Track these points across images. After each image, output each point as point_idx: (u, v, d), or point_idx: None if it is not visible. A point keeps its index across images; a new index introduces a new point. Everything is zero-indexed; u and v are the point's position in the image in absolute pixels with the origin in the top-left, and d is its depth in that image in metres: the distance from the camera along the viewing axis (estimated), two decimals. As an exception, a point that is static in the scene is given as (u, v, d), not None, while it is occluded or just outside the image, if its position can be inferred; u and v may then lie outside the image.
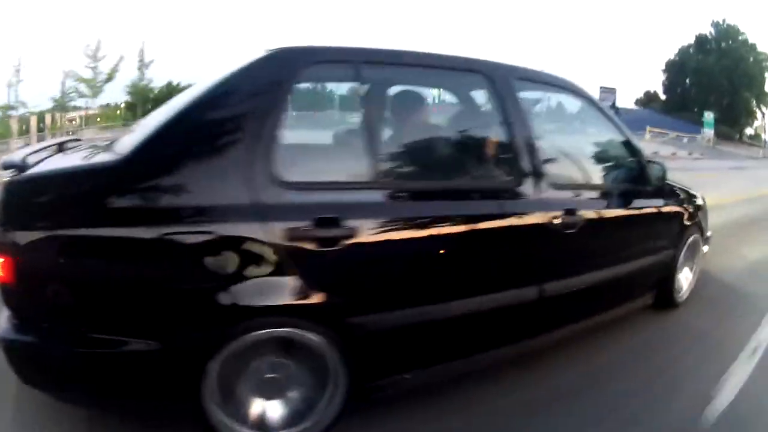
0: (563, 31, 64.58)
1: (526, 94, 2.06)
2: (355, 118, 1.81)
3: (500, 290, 1.83)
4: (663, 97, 40.43)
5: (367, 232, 1.53)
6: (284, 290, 1.44)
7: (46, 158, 1.69)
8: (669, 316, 2.75)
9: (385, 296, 1.61)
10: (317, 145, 2.20)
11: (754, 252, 4.21)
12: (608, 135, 2.46)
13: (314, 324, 1.48)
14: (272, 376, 1.51)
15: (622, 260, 2.31)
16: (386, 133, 1.95)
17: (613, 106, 31.00)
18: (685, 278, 2.92)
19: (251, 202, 1.40)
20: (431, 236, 1.64)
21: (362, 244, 1.51)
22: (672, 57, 39.31)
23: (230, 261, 1.39)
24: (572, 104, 2.46)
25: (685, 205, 2.79)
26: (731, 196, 7.64)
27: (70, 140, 2.08)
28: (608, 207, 2.24)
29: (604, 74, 66.65)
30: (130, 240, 1.33)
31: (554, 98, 2.68)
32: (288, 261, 1.43)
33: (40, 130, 19.22)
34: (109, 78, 16.72)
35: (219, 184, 1.39)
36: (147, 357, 1.37)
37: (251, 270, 1.41)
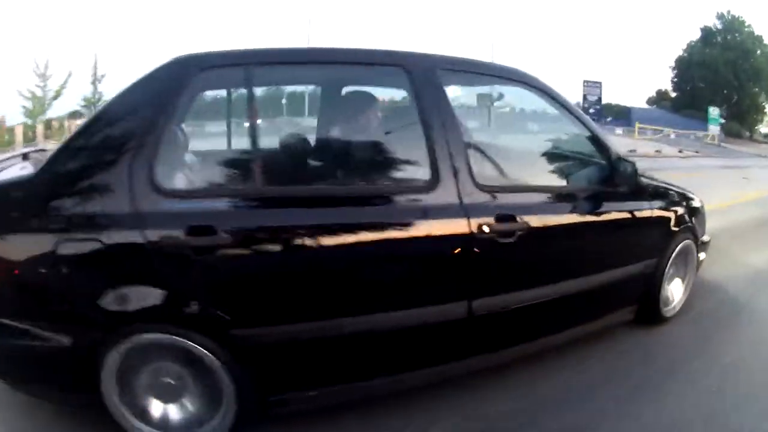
0: (574, 30, 64.06)
1: (472, 88, 2.14)
2: (241, 124, 1.76)
3: (412, 306, 1.67)
4: (674, 95, 39.80)
5: (245, 241, 1.51)
6: (159, 298, 1.46)
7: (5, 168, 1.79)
8: (654, 333, 2.49)
9: (271, 309, 1.56)
10: (202, 152, 2.07)
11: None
12: (568, 130, 2.23)
13: (194, 333, 1.48)
14: (168, 380, 1.56)
15: (584, 272, 2.06)
16: (271, 137, 1.85)
17: (598, 101, 30.39)
18: (675, 290, 2.63)
19: (132, 210, 1.45)
20: (319, 246, 1.55)
21: (239, 253, 1.50)
22: (681, 53, 38.70)
23: (111, 267, 1.46)
24: (526, 98, 2.23)
25: (673, 208, 2.50)
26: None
27: (35, 150, 2.15)
28: (563, 212, 1.99)
29: (616, 73, 65.89)
30: (36, 246, 1.46)
31: (510, 92, 2.48)
32: (164, 269, 1.47)
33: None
34: (57, 95, 17.00)
35: (107, 194, 1.46)
36: (50, 350, 1.48)
37: (129, 276, 1.47)
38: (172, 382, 1.56)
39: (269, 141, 1.81)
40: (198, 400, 1.58)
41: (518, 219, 1.77)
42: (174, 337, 1.48)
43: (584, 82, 30.00)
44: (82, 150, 1.54)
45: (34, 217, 1.46)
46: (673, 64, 38.99)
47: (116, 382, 1.51)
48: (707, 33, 36.93)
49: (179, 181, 1.57)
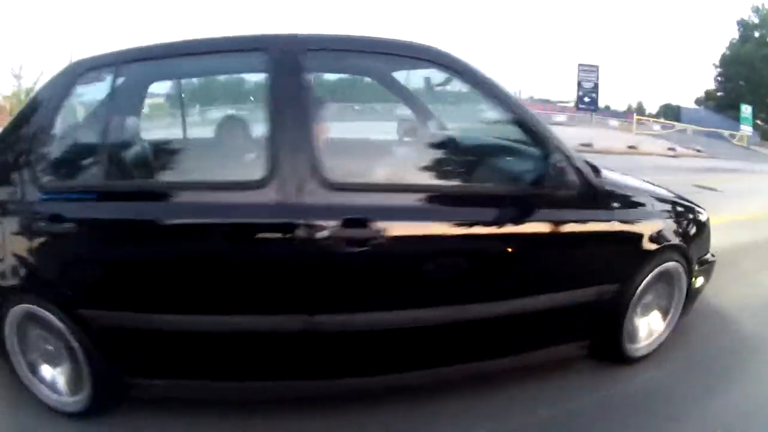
0: (630, 27, 62.58)
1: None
2: (102, 120, 1.80)
3: (240, 312, 1.59)
4: (720, 94, 37.89)
5: (85, 230, 1.63)
6: (28, 274, 1.68)
7: None
8: (616, 377, 2.05)
9: (111, 296, 1.64)
10: (71, 148, 1.97)
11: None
12: (485, 116, 1.94)
13: (53, 308, 1.65)
14: (50, 347, 1.75)
15: (490, 296, 1.73)
16: (116, 132, 1.81)
17: (594, 88, 27.66)
18: (649, 324, 2.19)
19: (19, 199, 1.68)
20: (142, 241, 1.63)
21: (81, 240, 1.63)
22: (725, 50, 36.77)
23: (5, 246, 1.69)
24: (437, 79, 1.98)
25: (649, 222, 2.03)
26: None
27: None
28: (453, 218, 1.65)
29: (671, 71, 64.48)
30: None
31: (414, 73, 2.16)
32: (32, 250, 1.67)
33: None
34: (28, 93, 17.93)
35: (8, 185, 1.70)
36: None
37: (13, 255, 1.68)
38: (53, 349, 1.75)
39: (120, 137, 1.84)
40: (68, 372, 1.74)
41: (374, 225, 1.52)
42: (38, 308, 1.68)
43: (579, 66, 27.28)
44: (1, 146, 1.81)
45: None
46: (717, 62, 37.23)
47: (17, 343, 1.76)
48: (744, 27, 35.14)
49: (52, 175, 1.74)
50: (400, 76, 2.15)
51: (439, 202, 1.67)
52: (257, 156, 1.60)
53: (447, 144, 2.04)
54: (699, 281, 2.35)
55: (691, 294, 2.31)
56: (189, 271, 1.61)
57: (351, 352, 1.69)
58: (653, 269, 2.06)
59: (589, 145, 12.26)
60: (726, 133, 26.44)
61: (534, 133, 1.78)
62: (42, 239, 1.65)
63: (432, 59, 1.76)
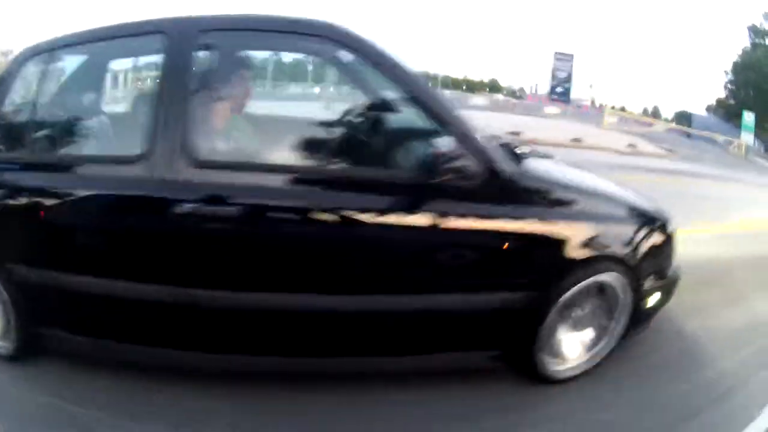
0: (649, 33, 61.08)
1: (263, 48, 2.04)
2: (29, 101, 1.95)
3: (123, 278, 1.66)
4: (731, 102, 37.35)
5: (5, 198, 1.77)
6: None
7: None
8: (532, 399, 1.88)
9: (25, 254, 1.80)
10: (7, 125, 2.04)
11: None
12: (383, 96, 1.83)
13: None
14: None
15: (355, 287, 1.67)
16: (38, 111, 1.93)
17: (567, 78, 27.09)
18: (581, 342, 1.97)
19: None
20: (38, 209, 1.73)
21: (4, 207, 1.78)
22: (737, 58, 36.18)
23: None
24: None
25: (578, 224, 1.80)
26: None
27: None
28: (327, 202, 1.61)
29: (686, 78, 63.07)
30: None
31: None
32: None
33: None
34: None
35: None
36: None
37: None
38: None
39: (39, 116, 1.96)
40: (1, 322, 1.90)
41: (236, 203, 1.55)
42: None
43: (555, 54, 26.85)
44: None
45: None
46: (728, 70, 36.74)
47: None
48: (755, 33, 34.64)
49: None
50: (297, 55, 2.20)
51: (309, 184, 1.64)
52: (140, 133, 1.64)
53: (331, 124, 1.92)
54: (653, 299, 2.09)
55: (641, 313, 2.04)
56: (81, 237, 1.73)
57: (225, 328, 1.71)
58: (581, 280, 1.83)
59: (516, 133, 11.23)
60: (721, 139, 25.93)
61: (434, 116, 1.66)
62: None
63: (328, 35, 1.72)
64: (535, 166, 1.90)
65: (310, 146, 1.76)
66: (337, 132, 1.89)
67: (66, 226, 1.73)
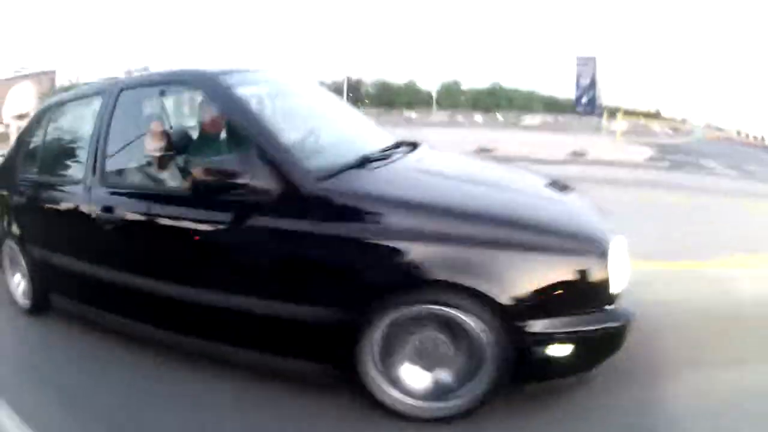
0: None
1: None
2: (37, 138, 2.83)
3: (88, 262, 2.31)
4: None
5: (27, 203, 2.65)
6: (6, 225, 2.81)
7: None
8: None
9: (34, 238, 2.61)
10: (25, 154, 2.87)
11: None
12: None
13: (17, 244, 2.71)
14: (18, 267, 2.77)
15: (176, 278, 2.03)
16: (39, 145, 2.75)
17: (591, 85, 24.55)
18: (429, 380, 1.75)
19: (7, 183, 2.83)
20: (38, 211, 2.60)
21: (27, 207, 2.67)
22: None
23: None
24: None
25: (399, 242, 1.64)
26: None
27: None
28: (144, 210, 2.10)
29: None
30: None
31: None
32: (11, 211, 2.77)
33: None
34: None
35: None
36: None
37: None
38: (21, 268, 2.73)
39: (37, 148, 2.80)
40: (24, 285, 2.73)
41: (116, 212, 2.11)
42: (11, 242, 2.78)
43: (577, 59, 24.31)
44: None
45: None
46: None
47: (8, 264, 2.87)
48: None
49: (25, 167, 2.76)
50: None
51: (151, 200, 2.09)
52: (83, 164, 2.32)
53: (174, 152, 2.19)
54: (559, 350, 1.67)
55: (534, 364, 1.69)
56: (60, 230, 2.45)
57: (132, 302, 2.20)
58: (400, 307, 1.67)
59: (488, 150, 10.59)
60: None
61: (245, 139, 1.85)
62: (13, 206, 2.74)
63: (190, 82, 2.21)
64: (365, 181, 1.84)
65: (158, 171, 2.18)
66: (175, 159, 2.18)
67: (54, 222, 2.48)
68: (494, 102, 31.25)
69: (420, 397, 1.75)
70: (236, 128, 1.96)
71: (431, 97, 32.17)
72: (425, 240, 1.64)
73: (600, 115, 21.93)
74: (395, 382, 1.75)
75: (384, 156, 2.08)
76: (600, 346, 1.78)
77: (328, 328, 1.74)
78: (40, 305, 2.65)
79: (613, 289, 1.71)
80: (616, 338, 1.77)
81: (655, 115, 28.97)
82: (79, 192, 2.28)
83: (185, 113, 2.53)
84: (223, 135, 2.19)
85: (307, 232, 1.71)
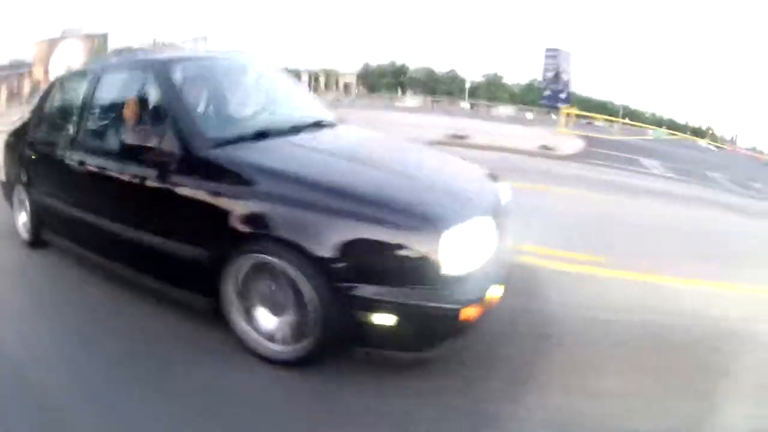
0: None
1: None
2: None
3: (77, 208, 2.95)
4: None
5: (37, 155, 3.30)
6: (15, 173, 3.56)
7: None
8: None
9: (36, 183, 3.30)
10: (48, 121, 3.41)
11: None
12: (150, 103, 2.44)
13: (24, 187, 3.43)
14: (23, 208, 3.49)
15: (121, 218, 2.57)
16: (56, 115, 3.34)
17: (555, 78, 26.01)
18: (282, 325, 2.02)
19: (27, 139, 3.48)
20: (46, 162, 3.17)
21: (35, 158, 3.32)
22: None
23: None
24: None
25: (244, 203, 2.03)
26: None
27: None
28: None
29: None
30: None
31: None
32: (22, 162, 3.45)
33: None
34: None
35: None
36: None
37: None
38: (26, 209, 3.45)
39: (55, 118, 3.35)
40: (26, 223, 3.46)
41: (88, 164, 2.70)
42: (20, 187, 3.49)
43: (545, 50, 25.86)
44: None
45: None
46: None
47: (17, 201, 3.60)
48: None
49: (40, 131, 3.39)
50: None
51: (106, 157, 2.56)
52: (74, 129, 2.93)
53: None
54: (382, 319, 1.83)
55: (360, 328, 1.87)
56: (54, 179, 3.06)
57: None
58: (243, 254, 2.01)
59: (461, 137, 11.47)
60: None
61: (166, 113, 2.30)
62: (24, 159, 3.41)
63: (148, 68, 2.57)
64: (250, 151, 2.22)
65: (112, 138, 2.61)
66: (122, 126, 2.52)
67: (48, 172, 3.12)
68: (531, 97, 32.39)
69: (268, 338, 2.05)
70: (161, 104, 2.38)
71: (464, 87, 33.50)
72: (273, 201, 1.95)
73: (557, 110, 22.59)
74: (250, 321, 2.09)
75: (284, 132, 2.47)
76: (428, 326, 1.87)
77: (201, 264, 2.12)
78: (37, 240, 3.38)
79: (446, 271, 1.80)
80: (447, 322, 1.85)
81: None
82: (65, 150, 2.90)
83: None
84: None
85: (191, 187, 2.14)
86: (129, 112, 2.42)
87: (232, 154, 2.18)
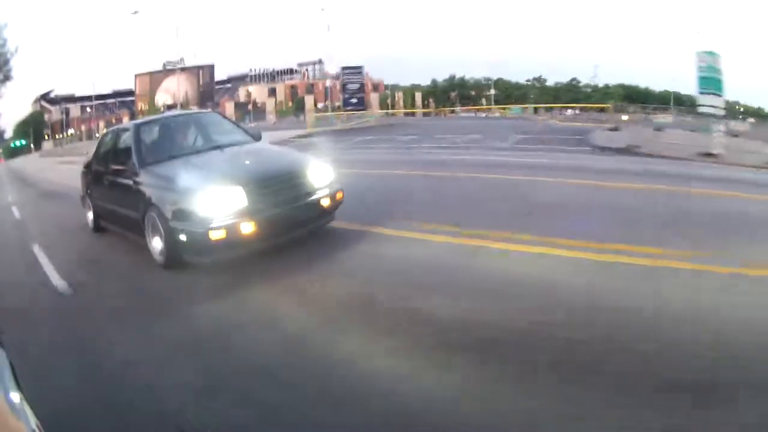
0: None
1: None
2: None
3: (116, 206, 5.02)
4: None
5: (94, 176, 5.75)
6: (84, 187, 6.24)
7: None
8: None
9: (94, 192, 5.79)
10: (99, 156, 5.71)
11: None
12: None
13: (89, 199, 6.02)
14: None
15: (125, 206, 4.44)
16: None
17: (360, 88, 33.85)
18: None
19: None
20: (99, 180, 5.51)
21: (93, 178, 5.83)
22: None
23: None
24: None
25: (147, 188, 4.27)
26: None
27: None
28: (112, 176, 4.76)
29: None
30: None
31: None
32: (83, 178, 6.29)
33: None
34: None
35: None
36: None
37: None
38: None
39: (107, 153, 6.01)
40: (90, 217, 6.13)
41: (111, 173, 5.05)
42: (86, 197, 6.13)
43: (342, 68, 31.18)
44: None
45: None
46: None
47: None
48: None
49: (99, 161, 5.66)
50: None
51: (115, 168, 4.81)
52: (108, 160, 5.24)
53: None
54: (182, 235, 3.87)
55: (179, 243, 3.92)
56: (101, 189, 5.42)
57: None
58: (149, 213, 4.11)
59: None
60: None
61: (130, 150, 4.66)
62: (88, 177, 5.96)
63: (128, 128, 5.21)
64: (161, 166, 4.40)
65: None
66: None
67: (102, 185, 5.38)
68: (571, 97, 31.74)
69: (158, 252, 4.17)
70: (129, 147, 4.75)
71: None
72: (154, 188, 4.17)
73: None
74: (150, 242, 4.23)
75: (184, 154, 4.64)
76: (196, 241, 3.80)
77: (138, 220, 4.31)
78: (98, 228, 5.73)
79: (202, 213, 3.73)
80: (203, 239, 3.73)
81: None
82: (104, 171, 5.20)
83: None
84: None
85: (133, 185, 4.42)
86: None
87: (150, 169, 4.41)
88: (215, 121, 5.56)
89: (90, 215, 5.91)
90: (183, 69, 62.21)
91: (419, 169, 9.13)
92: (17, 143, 59.05)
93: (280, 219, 3.88)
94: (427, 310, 2.93)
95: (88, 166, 6.00)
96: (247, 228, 3.71)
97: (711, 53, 11.19)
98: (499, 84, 55.35)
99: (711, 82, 10.80)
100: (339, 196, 4.32)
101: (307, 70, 60.40)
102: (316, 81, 54.76)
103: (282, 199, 3.94)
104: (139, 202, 4.27)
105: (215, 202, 3.70)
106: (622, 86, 53.87)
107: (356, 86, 37.03)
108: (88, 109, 60.45)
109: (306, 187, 4.14)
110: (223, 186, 3.78)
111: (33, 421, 1.05)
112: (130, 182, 4.44)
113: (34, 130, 60.08)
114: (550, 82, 55.87)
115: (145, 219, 4.17)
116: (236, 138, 5.11)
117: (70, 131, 60.41)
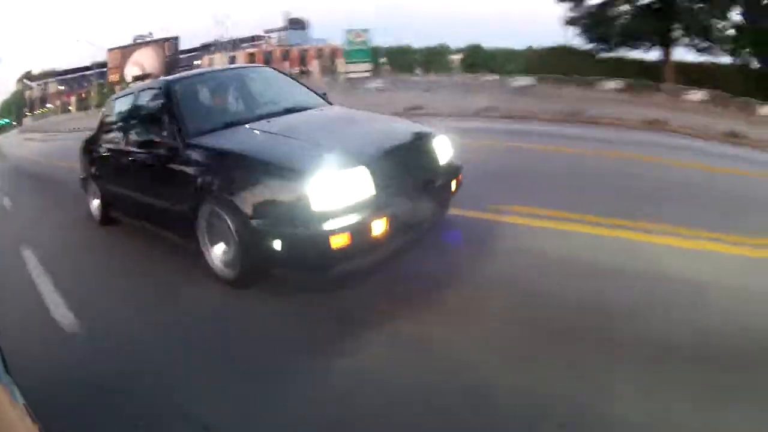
0: None
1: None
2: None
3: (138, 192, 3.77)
4: None
5: (103, 155, 4.36)
6: (87, 169, 4.83)
7: None
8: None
9: (102, 176, 4.41)
10: (106, 126, 4.56)
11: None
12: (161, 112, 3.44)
13: (93, 181, 4.65)
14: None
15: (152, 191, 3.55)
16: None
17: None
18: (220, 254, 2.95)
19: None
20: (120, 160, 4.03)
21: (100, 157, 4.43)
22: None
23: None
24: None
25: (193, 167, 3.02)
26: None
27: None
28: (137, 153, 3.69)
29: None
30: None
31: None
32: (89, 159, 4.72)
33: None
34: None
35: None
36: None
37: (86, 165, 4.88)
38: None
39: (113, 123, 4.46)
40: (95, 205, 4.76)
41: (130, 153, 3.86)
42: (91, 179, 4.74)
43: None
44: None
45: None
46: None
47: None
48: None
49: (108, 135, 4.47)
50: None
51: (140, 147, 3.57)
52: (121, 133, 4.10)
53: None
54: (278, 244, 2.53)
55: (267, 254, 2.60)
56: (120, 171, 3.99)
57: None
58: (201, 204, 2.88)
59: None
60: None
61: (169, 116, 3.30)
62: (93, 156, 4.56)
63: (160, 87, 3.63)
64: (217, 136, 3.09)
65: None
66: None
67: (109, 165, 4.20)
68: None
69: (222, 263, 2.91)
70: (162, 112, 3.43)
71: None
72: (214, 168, 2.88)
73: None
74: (211, 252, 2.96)
75: (244, 121, 3.30)
76: (307, 250, 2.52)
77: (183, 215, 3.05)
78: (107, 220, 4.53)
79: (316, 208, 2.41)
80: (319, 247, 2.44)
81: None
82: (119, 147, 4.02)
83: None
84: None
85: (174, 164, 3.14)
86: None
87: (202, 141, 3.09)
88: (273, 78, 4.28)
89: (95, 203, 4.67)
90: (148, 42, 61.16)
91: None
92: (1, 122, 59.02)
93: (412, 212, 2.76)
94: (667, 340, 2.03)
95: (91, 141, 4.71)
96: (379, 227, 2.54)
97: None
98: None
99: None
100: (460, 177, 3.22)
101: (270, 36, 58.17)
102: (274, 48, 52.38)
103: (412, 185, 2.81)
104: (187, 189, 2.97)
105: (334, 190, 2.46)
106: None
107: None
108: (63, 86, 58.33)
109: (436, 167, 3.04)
110: (341, 167, 2.54)
111: (21, 401, 1.09)
112: (169, 160, 3.18)
113: (16, 108, 59.75)
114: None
115: (198, 213, 2.94)
116: (307, 100, 3.86)
117: (48, 106, 58.45)
